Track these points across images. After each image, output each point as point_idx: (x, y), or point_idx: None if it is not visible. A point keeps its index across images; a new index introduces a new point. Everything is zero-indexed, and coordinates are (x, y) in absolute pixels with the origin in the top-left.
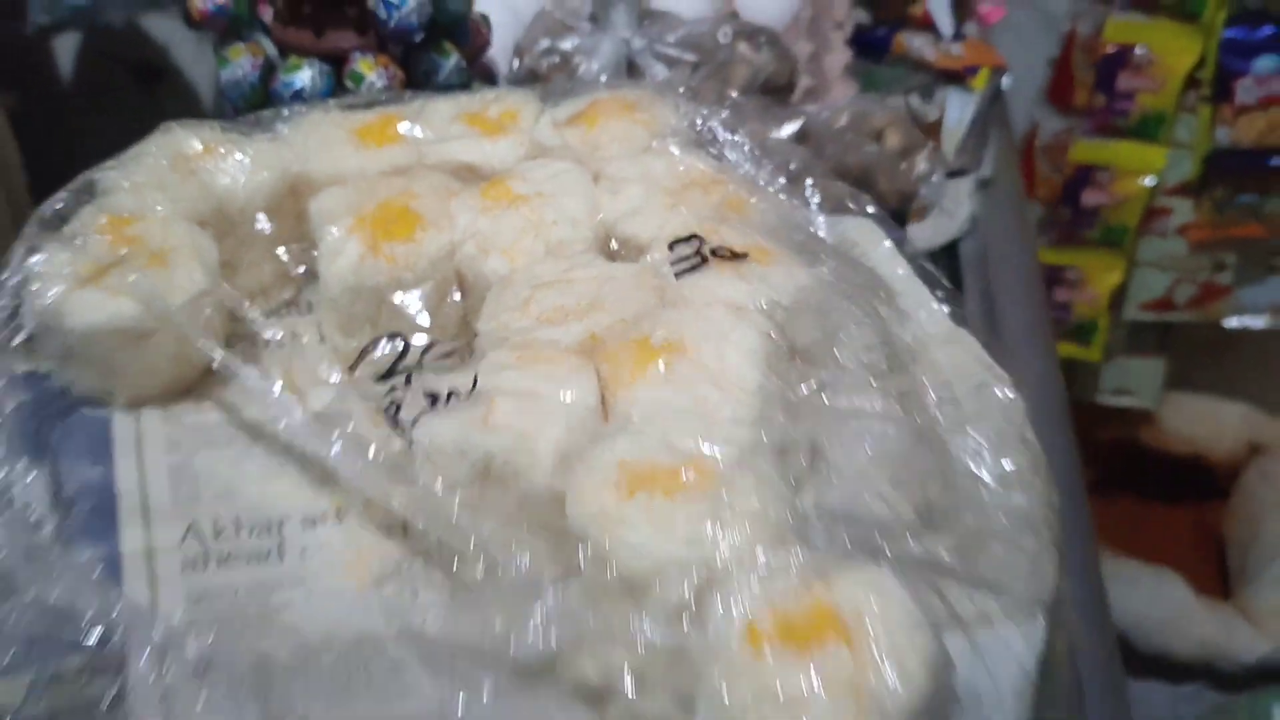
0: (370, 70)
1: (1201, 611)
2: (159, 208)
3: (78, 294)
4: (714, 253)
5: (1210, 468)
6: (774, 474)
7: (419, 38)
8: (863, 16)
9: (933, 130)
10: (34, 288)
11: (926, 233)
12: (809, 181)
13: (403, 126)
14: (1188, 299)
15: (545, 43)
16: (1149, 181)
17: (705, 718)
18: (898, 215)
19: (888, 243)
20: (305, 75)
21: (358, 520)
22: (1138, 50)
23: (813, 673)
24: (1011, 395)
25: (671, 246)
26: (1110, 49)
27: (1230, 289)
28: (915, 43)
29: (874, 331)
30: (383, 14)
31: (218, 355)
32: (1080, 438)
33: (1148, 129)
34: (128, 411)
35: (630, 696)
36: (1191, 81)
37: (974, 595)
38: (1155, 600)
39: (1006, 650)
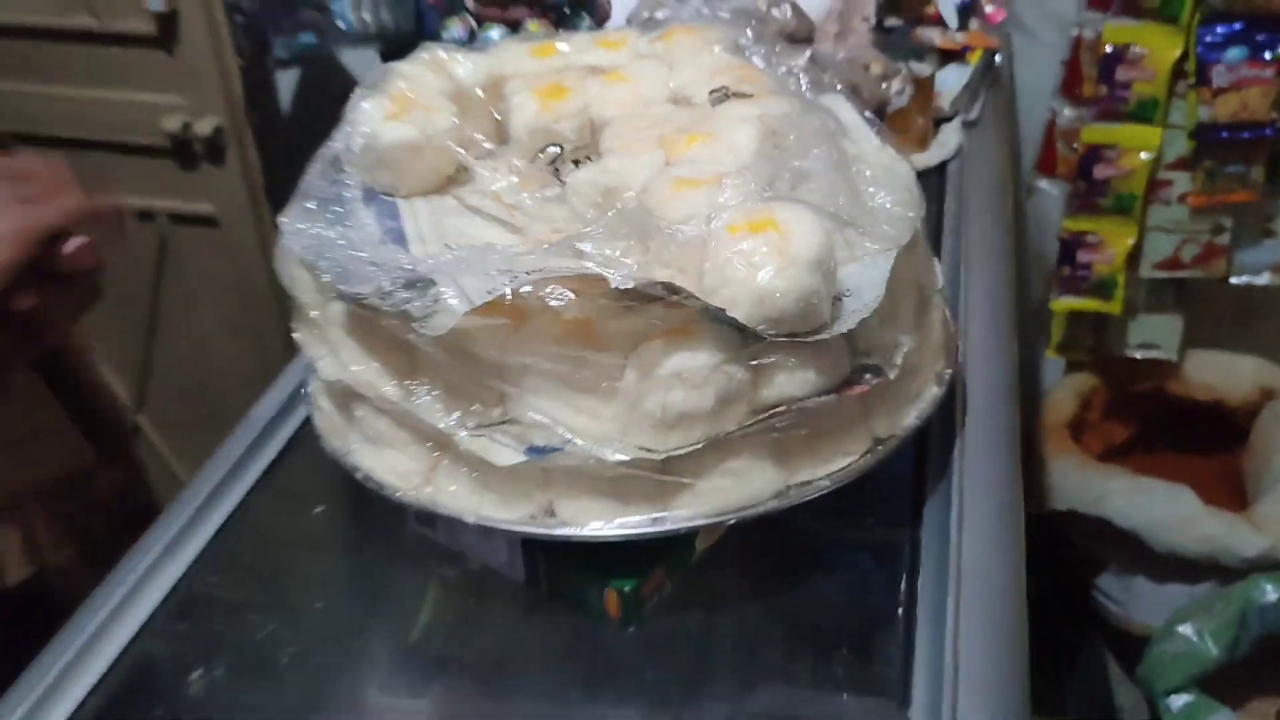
0: (536, 29)
1: (1208, 516)
2: (426, 84)
3: (385, 124)
4: (733, 94)
5: (1231, 413)
6: (754, 180)
7: (567, 10)
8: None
9: (925, 84)
10: (360, 122)
11: (925, 158)
12: (806, 74)
13: (559, 45)
14: (1193, 257)
15: (645, 13)
16: (1145, 156)
17: (708, 276)
18: (879, 115)
19: (848, 106)
20: (495, 34)
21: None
22: (1131, 48)
23: (759, 242)
24: (904, 167)
25: (710, 94)
26: (1109, 48)
27: (1229, 249)
28: (927, 34)
29: (826, 137)
30: None
31: (463, 159)
32: (1117, 392)
33: (1144, 112)
34: (406, 199)
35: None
36: (1179, 73)
37: (861, 238)
38: (1168, 507)
39: (875, 268)
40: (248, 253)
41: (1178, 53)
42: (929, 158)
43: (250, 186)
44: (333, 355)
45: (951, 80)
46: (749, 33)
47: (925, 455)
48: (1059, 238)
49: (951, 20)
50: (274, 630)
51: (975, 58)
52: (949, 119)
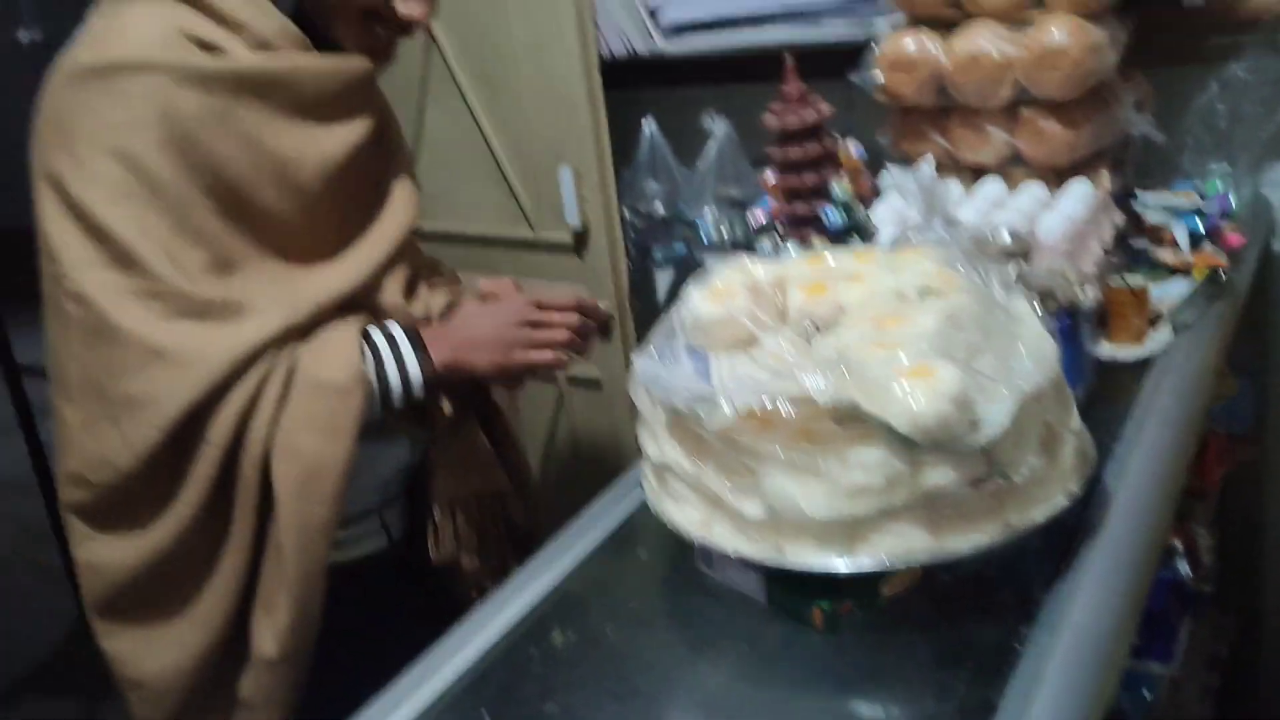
0: (819, 245)
1: None
2: (733, 280)
3: (704, 304)
4: (932, 292)
5: None
6: (928, 347)
7: (841, 232)
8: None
9: (1141, 293)
10: (689, 302)
11: (1136, 351)
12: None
13: (828, 256)
14: None
15: (900, 236)
16: None
17: (885, 402)
18: (1071, 313)
19: (1024, 301)
20: (792, 248)
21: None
22: None
23: (918, 383)
24: (1050, 345)
25: (917, 291)
26: None
27: None
28: (1160, 253)
29: (995, 322)
30: (826, 221)
31: (753, 330)
32: None
33: None
34: (714, 355)
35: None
36: None
37: (999, 388)
38: None
39: (1000, 408)
40: (622, 407)
41: None
42: (1139, 351)
43: (628, 356)
44: (656, 443)
45: (1175, 291)
46: (964, 251)
47: (1061, 552)
48: None
49: (1183, 243)
50: (609, 632)
51: (1200, 274)
52: (1165, 321)
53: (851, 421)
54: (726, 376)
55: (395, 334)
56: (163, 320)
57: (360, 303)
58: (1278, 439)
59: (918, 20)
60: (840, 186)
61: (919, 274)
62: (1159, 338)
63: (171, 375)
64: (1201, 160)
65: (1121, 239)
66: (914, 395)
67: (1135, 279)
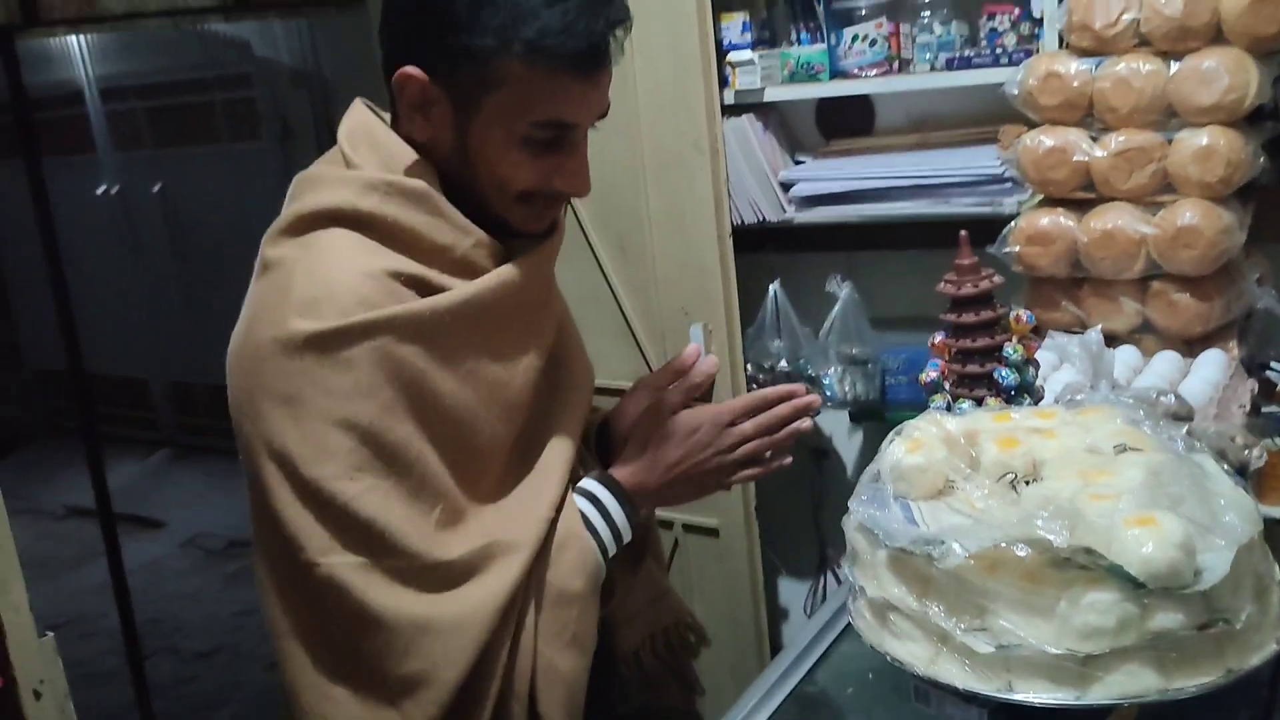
0: (994, 404)
1: None
2: (930, 433)
3: (905, 455)
4: (1129, 448)
5: None
6: (1141, 498)
7: (1013, 392)
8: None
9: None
10: (891, 452)
11: None
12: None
13: (1013, 413)
14: None
15: (1069, 396)
16: None
17: (1113, 547)
18: (1240, 473)
19: (1211, 460)
20: (966, 405)
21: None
22: None
23: (1145, 531)
24: (1248, 500)
25: (1114, 447)
26: None
27: None
28: None
29: (1192, 477)
30: (1001, 381)
31: (951, 479)
32: None
33: None
34: (914, 501)
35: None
36: None
37: (1214, 538)
38: None
39: (1220, 556)
40: (739, 554)
41: None
42: None
43: (746, 505)
44: (877, 583)
45: None
46: (1141, 412)
47: (1273, 700)
48: None
49: None
50: None
51: None
52: None
53: (1071, 566)
54: (930, 521)
55: (598, 494)
56: (421, 594)
57: None
58: None
59: (1053, 200)
60: (1014, 349)
61: (1111, 432)
62: None
63: (443, 647)
64: None
65: (1255, 406)
66: (1144, 542)
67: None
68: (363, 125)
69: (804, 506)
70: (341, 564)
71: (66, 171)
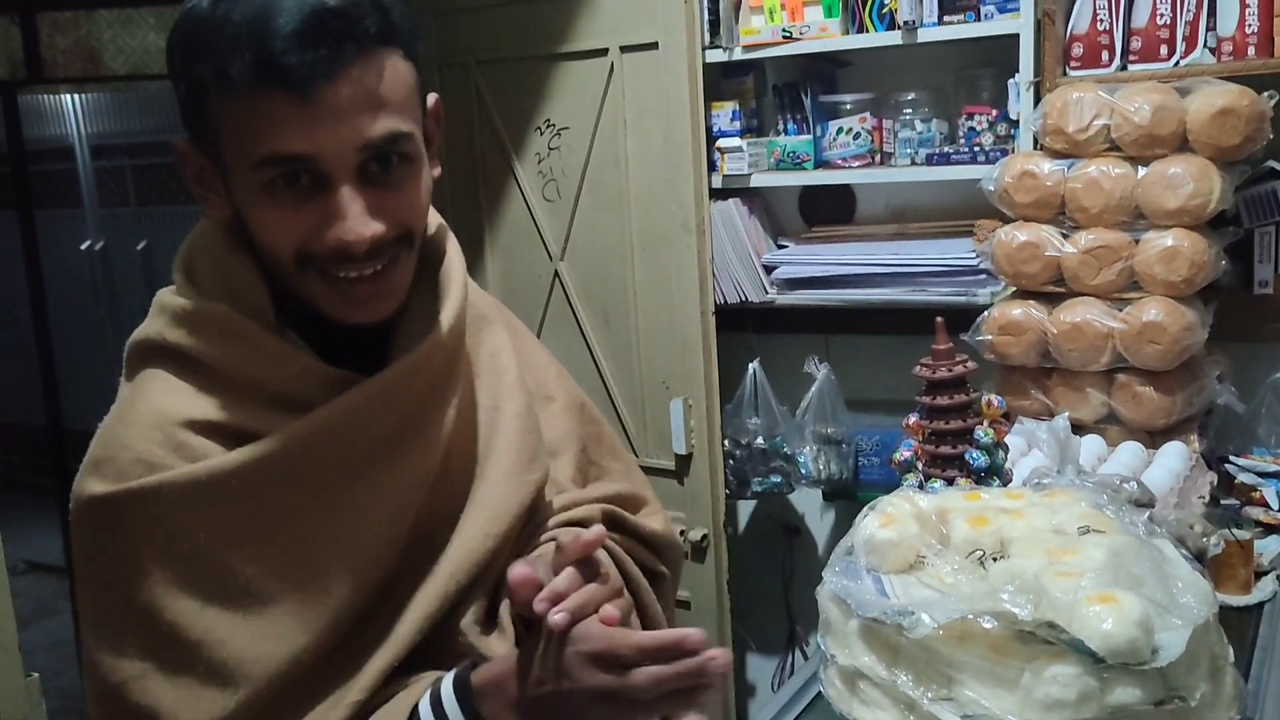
0: (965, 484)
1: None
2: (902, 509)
3: (878, 529)
4: (1092, 530)
5: None
6: (1103, 577)
7: (983, 473)
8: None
9: (1247, 545)
10: (864, 527)
11: (1245, 599)
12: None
13: (982, 493)
14: None
15: (1036, 480)
16: None
17: (1074, 623)
18: (1198, 559)
19: (1170, 545)
20: (938, 485)
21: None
22: None
23: (1105, 608)
24: (1204, 583)
25: (1078, 529)
26: None
27: None
28: (1254, 512)
29: (1152, 560)
30: (972, 462)
31: (922, 553)
32: None
33: None
34: (885, 575)
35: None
36: None
37: (1171, 618)
38: None
39: (1177, 635)
40: (709, 629)
41: None
42: (1248, 599)
43: (718, 578)
44: (848, 651)
45: (1272, 546)
46: (1105, 497)
47: None
48: None
49: (1275, 504)
50: None
51: None
52: (1268, 573)
53: (1035, 639)
54: (900, 593)
55: (444, 695)
56: None
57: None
58: None
59: (1025, 293)
60: (985, 432)
61: (1076, 514)
62: (1265, 587)
63: None
64: (1276, 431)
65: (1214, 498)
66: (1104, 619)
67: (1241, 533)
68: (210, 229)
69: (774, 583)
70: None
71: (54, 224)
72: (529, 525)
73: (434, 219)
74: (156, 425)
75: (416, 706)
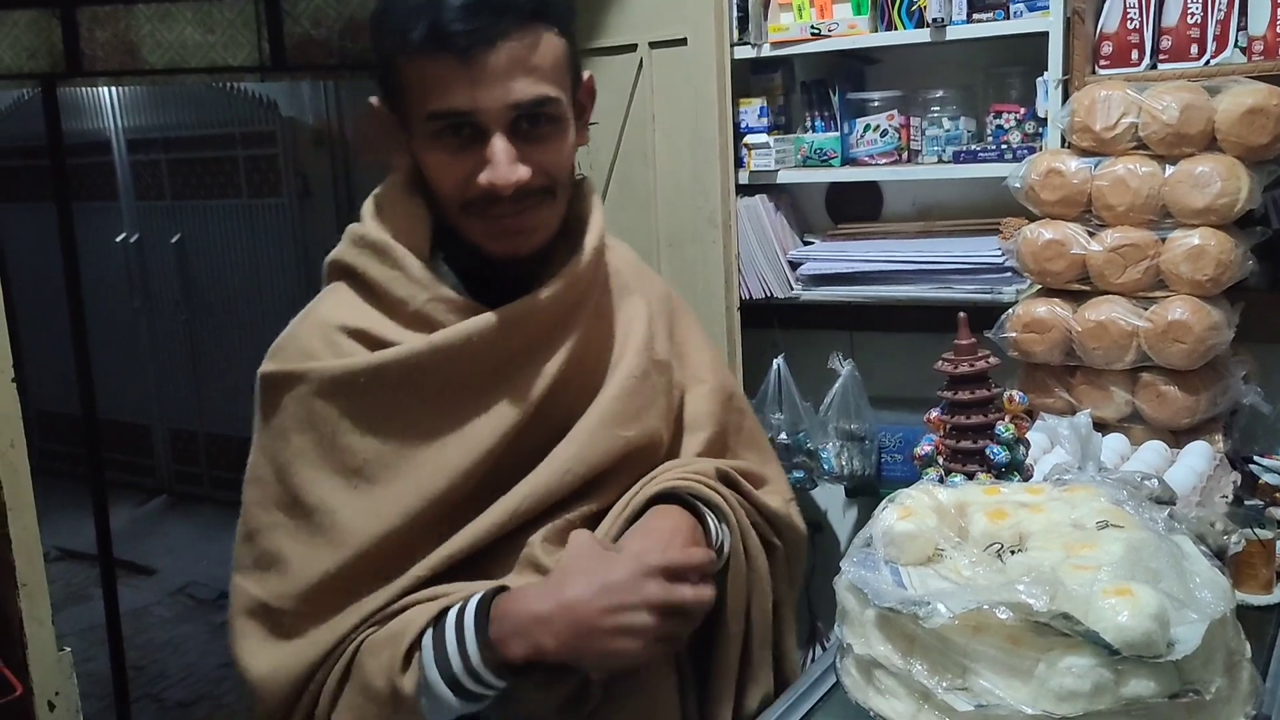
0: (985, 479)
1: None
2: (921, 502)
3: (897, 521)
4: (1111, 524)
5: None
6: (1121, 570)
7: (1003, 469)
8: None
9: (1269, 544)
10: (883, 519)
11: (1267, 599)
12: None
13: (1002, 488)
14: None
15: (1056, 475)
16: None
17: (1090, 615)
18: (1218, 557)
19: (1190, 542)
20: (958, 479)
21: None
22: None
23: (1122, 601)
24: (1222, 579)
25: (1096, 523)
26: None
27: None
28: (1278, 512)
29: (1171, 555)
30: (992, 457)
31: (941, 546)
32: None
33: None
34: (904, 566)
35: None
36: None
37: (1188, 612)
38: None
39: (1193, 629)
40: None
41: None
42: (1269, 598)
43: None
44: (864, 640)
45: None
46: (1125, 493)
47: None
48: None
49: None
50: None
51: None
52: None
53: (1051, 632)
54: (917, 585)
55: (466, 610)
56: (269, 638)
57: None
58: None
59: (1050, 290)
60: (1006, 428)
61: (1095, 509)
62: None
63: (257, 699)
64: None
65: (1237, 498)
66: (1120, 611)
67: (1263, 532)
68: (395, 177)
69: None
70: (238, 583)
71: (90, 217)
72: (625, 479)
73: (588, 190)
74: (320, 326)
75: (447, 610)
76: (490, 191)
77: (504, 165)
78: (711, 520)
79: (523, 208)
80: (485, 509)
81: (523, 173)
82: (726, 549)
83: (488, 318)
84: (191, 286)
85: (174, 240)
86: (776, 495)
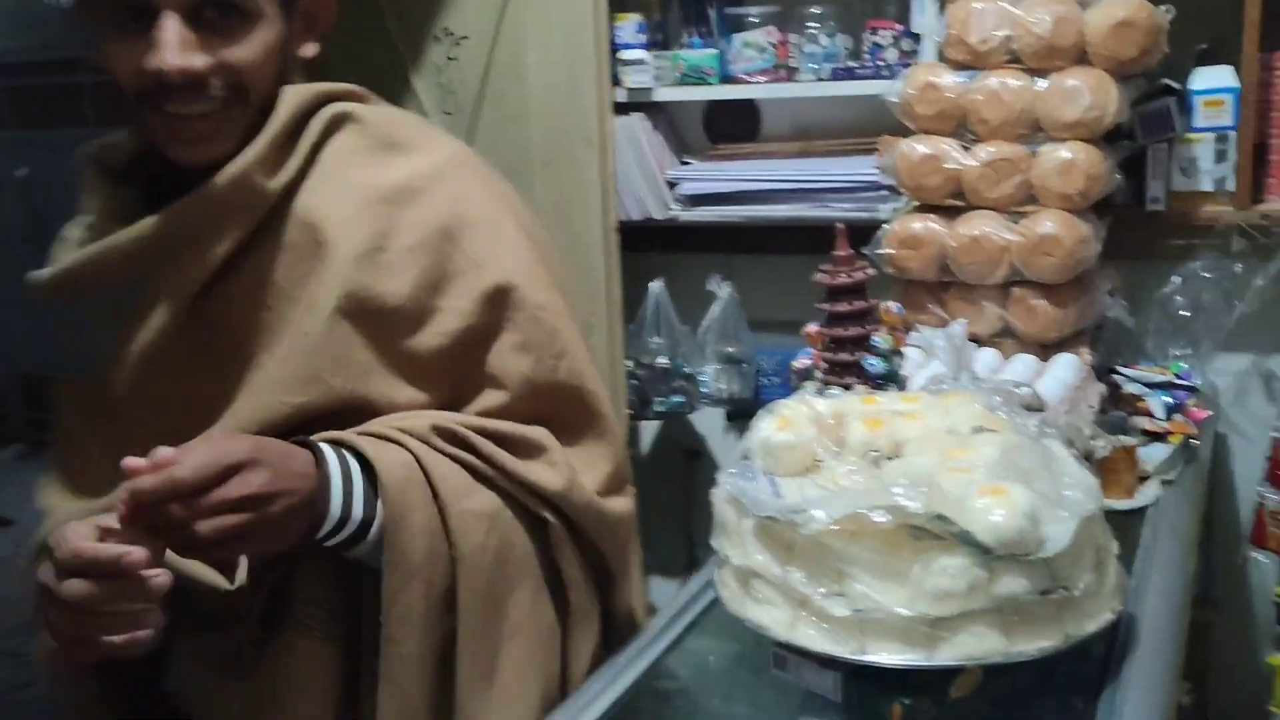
0: (863, 391)
1: None
2: (800, 412)
3: (775, 432)
4: (986, 429)
5: None
6: (995, 472)
7: (881, 380)
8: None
9: (1131, 450)
10: (761, 429)
11: (1129, 503)
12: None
13: (879, 398)
14: None
15: (933, 386)
16: None
17: (964, 515)
18: (1086, 460)
19: (1060, 445)
20: (835, 391)
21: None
22: None
23: (995, 500)
24: (1090, 479)
25: (971, 428)
26: None
27: None
28: (1139, 421)
29: (1042, 458)
30: (869, 369)
31: (818, 456)
32: None
33: None
34: (782, 477)
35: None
36: None
37: (1058, 510)
38: None
39: (1063, 527)
40: None
41: None
42: (1132, 503)
43: None
44: (742, 551)
45: (1156, 453)
46: (999, 399)
47: (1106, 668)
48: (1273, 601)
49: (1159, 413)
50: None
51: (1176, 439)
52: (1151, 478)
53: (927, 534)
54: (795, 495)
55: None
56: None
57: None
58: (1223, 603)
59: (925, 206)
60: (883, 339)
61: (970, 415)
62: (1148, 492)
63: None
64: (1163, 345)
65: (1102, 409)
66: (993, 510)
67: (1127, 439)
68: None
69: (674, 506)
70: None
71: None
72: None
73: (295, 100)
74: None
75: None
76: (158, 79)
77: (171, 49)
78: (344, 481)
79: (205, 109)
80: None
81: (196, 61)
82: (374, 516)
83: (122, 235)
84: (38, 224)
85: (19, 175)
86: (551, 467)
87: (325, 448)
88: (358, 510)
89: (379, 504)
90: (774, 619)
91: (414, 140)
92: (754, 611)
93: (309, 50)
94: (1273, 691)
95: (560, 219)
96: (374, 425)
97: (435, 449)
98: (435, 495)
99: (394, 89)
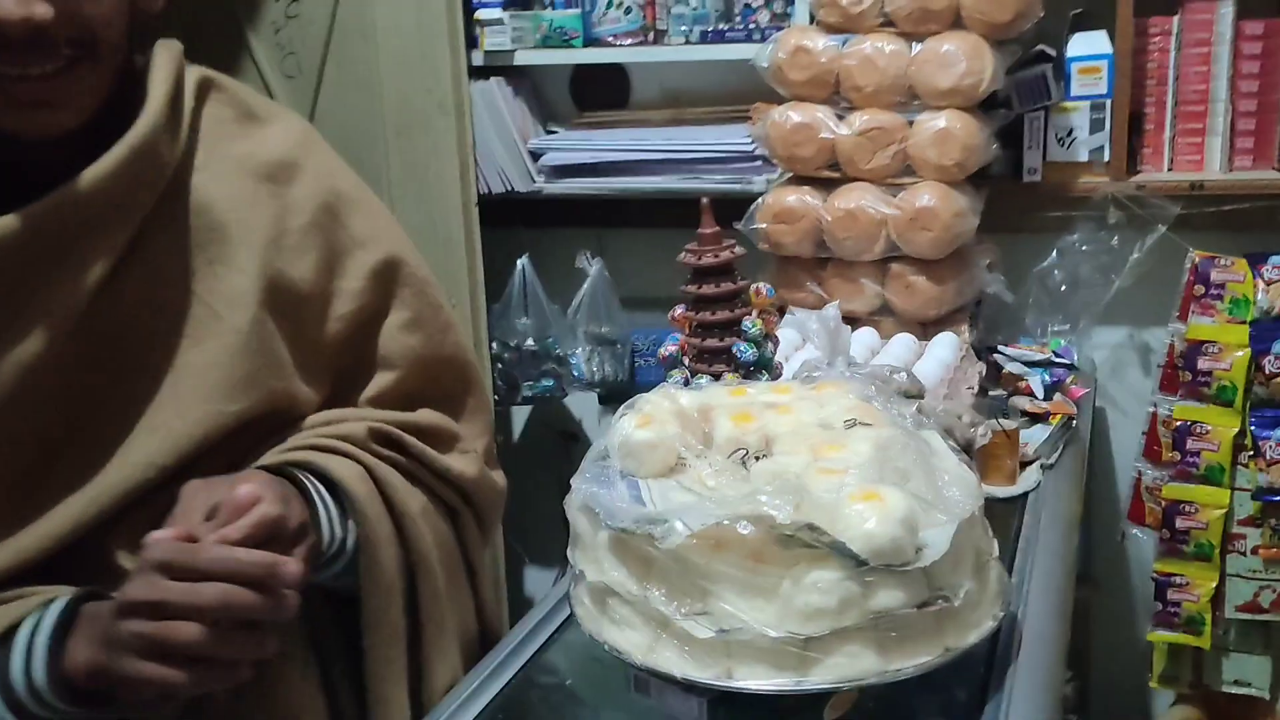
0: (733, 379)
1: None
2: (662, 407)
3: (635, 430)
4: (859, 423)
5: None
6: (869, 473)
7: (752, 367)
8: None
9: (1013, 434)
10: (620, 428)
11: (1011, 489)
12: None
13: (749, 389)
14: (1271, 603)
15: (805, 373)
16: (1218, 512)
17: (836, 524)
18: (966, 451)
19: (938, 437)
20: (704, 381)
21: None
22: (1197, 425)
23: (868, 506)
24: (971, 475)
25: (844, 422)
26: (1179, 424)
27: None
28: (1019, 401)
29: (919, 453)
30: (739, 355)
31: (682, 455)
32: None
33: (1213, 476)
34: (643, 479)
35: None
36: (1240, 445)
37: (937, 513)
38: None
39: (941, 532)
40: None
41: (1236, 429)
42: (1014, 489)
43: None
44: (597, 566)
45: (1037, 435)
46: (874, 388)
47: (989, 677)
48: (1152, 577)
49: (1039, 393)
50: None
51: (1056, 420)
52: (1033, 463)
53: (797, 544)
54: (658, 500)
55: (43, 623)
56: None
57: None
58: (1102, 581)
59: (800, 178)
60: (753, 323)
61: (843, 407)
62: (1030, 477)
63: None
64: (1042, 320)
65: (982, 388)
66: (867, 518)
67: (1007, 422)
68: None
69: (551, 492)
70: None
71: None
72: (238, 454)
73: (166, 57)
74: None
75: (22, 620)
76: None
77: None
78: (323, 505)
79: (49, 69)
80: (45, 503)
81: (40, 10)
82: (349, 538)
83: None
84: None
85: None
86: (464, 455)
87: (301, 476)
88: (338, 532)
89: (349, 523)
90: (632, 642)
91: (266, 109)
92: (611, 633)
93: (157, 3)
94: (1151, 667)
95: (415, 192)
96: (313, 435)
97: (374, 454)
98: (388, 505)
99: (228, 50)
